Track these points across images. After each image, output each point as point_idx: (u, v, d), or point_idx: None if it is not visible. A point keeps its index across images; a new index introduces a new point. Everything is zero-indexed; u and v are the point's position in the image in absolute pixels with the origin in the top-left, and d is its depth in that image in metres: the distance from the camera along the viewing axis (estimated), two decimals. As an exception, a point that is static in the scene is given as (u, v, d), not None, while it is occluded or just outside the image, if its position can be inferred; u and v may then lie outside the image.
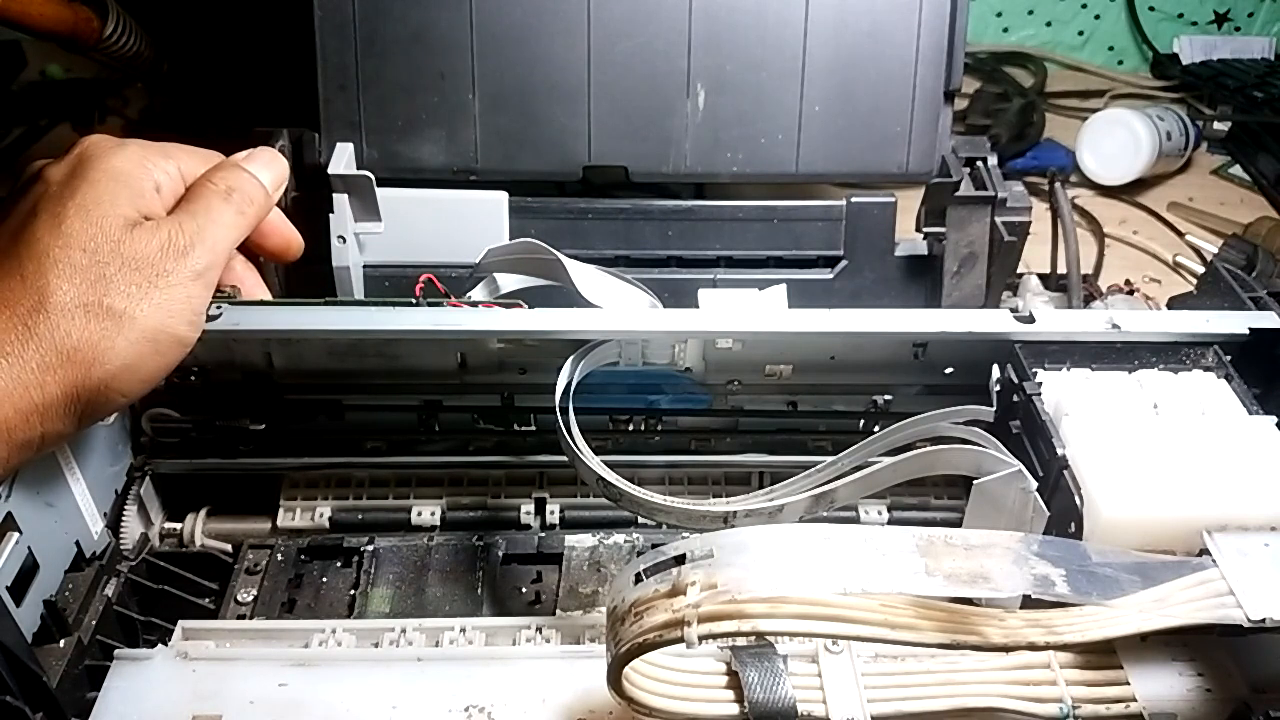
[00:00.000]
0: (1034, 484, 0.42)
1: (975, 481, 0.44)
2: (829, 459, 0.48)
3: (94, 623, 0.44)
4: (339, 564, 0.51)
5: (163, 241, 0.40)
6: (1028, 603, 0.36)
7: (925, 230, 0.64)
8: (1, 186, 0.44)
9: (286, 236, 0.49)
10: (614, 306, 0.51)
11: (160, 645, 0.42)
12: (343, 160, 0.62)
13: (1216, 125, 1.02)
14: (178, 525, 0.52)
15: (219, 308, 0.45)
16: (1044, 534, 0.41)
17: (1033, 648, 0.36)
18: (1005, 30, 1.21)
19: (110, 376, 0.37)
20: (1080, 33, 1.22)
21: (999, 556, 0.35)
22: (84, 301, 0.37)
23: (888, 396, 0.53)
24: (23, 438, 0.36)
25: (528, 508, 0.53)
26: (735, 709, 0.37)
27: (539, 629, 0.45)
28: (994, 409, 0.47)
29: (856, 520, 0.53)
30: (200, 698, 0.40)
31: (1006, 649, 0.36)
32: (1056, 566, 0.36)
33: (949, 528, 0.36)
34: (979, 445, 0.45)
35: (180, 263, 0.40)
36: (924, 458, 0.45)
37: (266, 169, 0.46)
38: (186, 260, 0.40)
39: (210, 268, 0.41)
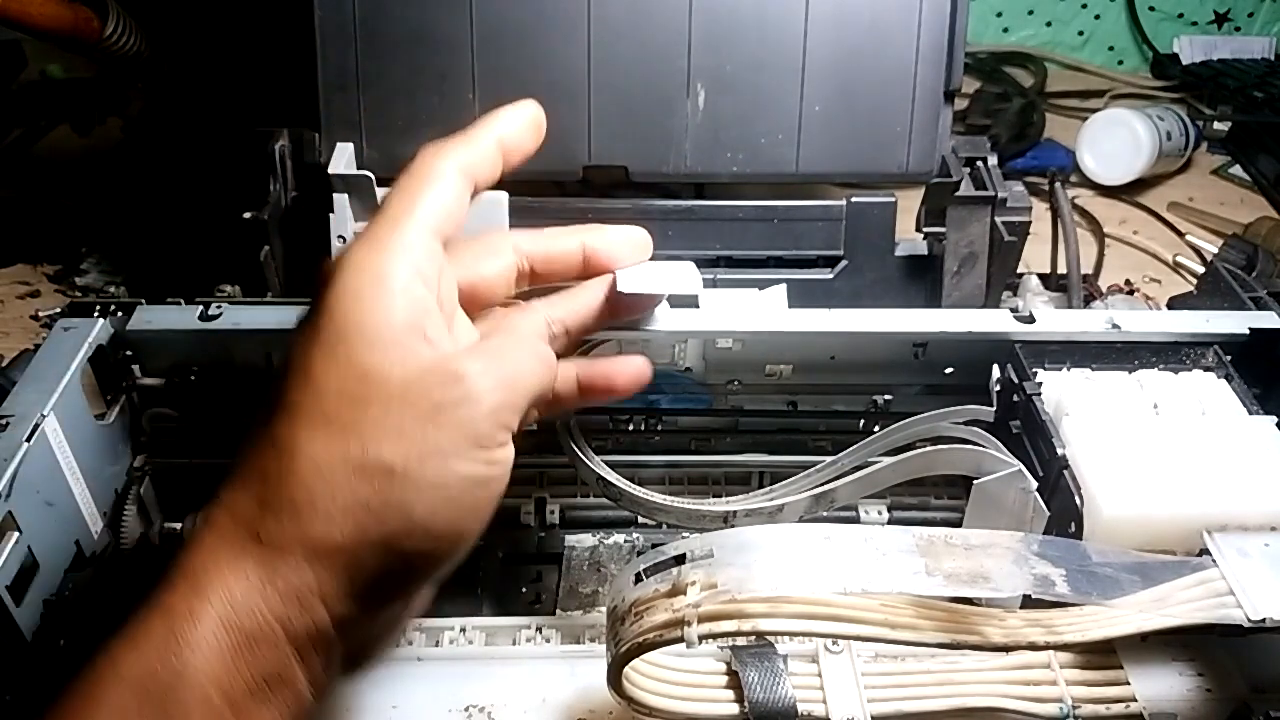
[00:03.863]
0: (1034, 484, 0.42)
1: (975, 481, 0.44)
2: (829, 459, 0.48)
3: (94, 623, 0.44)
4: (339, 564, 0.51)
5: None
6: (1028, 603, 0.36)
7: (925, 230, 0.64)
8: (1, 188, 0.44)
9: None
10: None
11: (160, 645, 0.42)
12: (343, 160, 0.62)
13: (1216, 125, 1.01)
14: (178, 525, 0.52)
15: (219, 308, 0.45)
16: (1044, 534, 0.41)
17: (1033, 648, 0.36)
18: (1005, 30, 1.21)
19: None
20: (1080, 33, 1.21)
21: (999, 556, 0.35)
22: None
23: (888, 396, 0.53)
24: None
25: (528, 507, 0.53)
26: (735, 709, 0.37)
27: (539, 629, 0.45)
28: (994, 409, 0.47)
29: (856, 520, 0.53)
30: (200, 698, 0.40)
31: (1006, 649, 0.36)
32: (1056, 566, 0.36)
33: (949, 528, 0.36)
34: (979, 445, 0.45)
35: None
36: (924, 458, 0.45)
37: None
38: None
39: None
